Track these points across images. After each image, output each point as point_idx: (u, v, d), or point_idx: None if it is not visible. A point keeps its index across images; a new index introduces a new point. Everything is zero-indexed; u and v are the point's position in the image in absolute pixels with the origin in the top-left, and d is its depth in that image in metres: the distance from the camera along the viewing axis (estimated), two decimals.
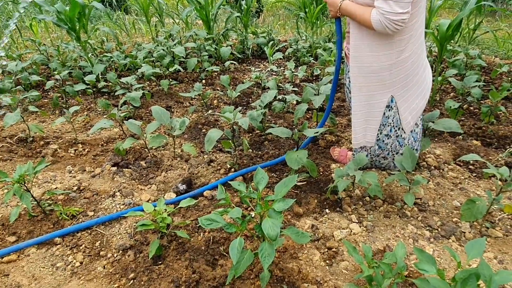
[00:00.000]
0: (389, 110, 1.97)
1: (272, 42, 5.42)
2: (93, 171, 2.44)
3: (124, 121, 2.41)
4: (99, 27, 5.13)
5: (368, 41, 1.79)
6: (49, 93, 3.94)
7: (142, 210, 1.79)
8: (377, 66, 1.84)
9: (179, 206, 1.68)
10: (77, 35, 4.13)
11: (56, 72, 3.77)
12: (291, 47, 5.18)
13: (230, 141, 2.31)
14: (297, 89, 3.50)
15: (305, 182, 2.19)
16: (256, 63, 5.31)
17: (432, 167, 2.34)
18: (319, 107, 2.56)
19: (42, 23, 6.99)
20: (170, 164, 2.41)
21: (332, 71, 3.31)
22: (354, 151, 2.24)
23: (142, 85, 3.28)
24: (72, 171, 2.44)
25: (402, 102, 1.93)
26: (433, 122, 2.17)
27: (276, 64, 4.99)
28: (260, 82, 3.85)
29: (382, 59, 1.82)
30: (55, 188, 2.22)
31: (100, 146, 2.80)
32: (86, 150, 2.73)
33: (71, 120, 2.70)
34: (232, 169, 2.35)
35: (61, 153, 2.68)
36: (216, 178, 2.26)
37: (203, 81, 4.39)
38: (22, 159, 2.60)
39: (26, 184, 1.85)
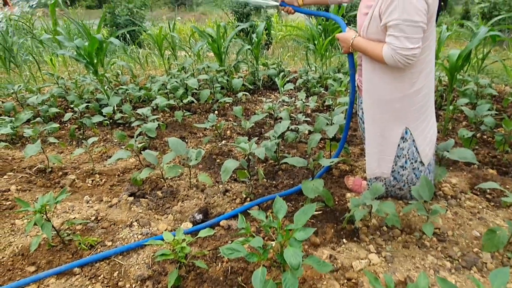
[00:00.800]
0: (403, 142, 1.98)
1: (283, 73, 5.55)
2: (110, 201, 2.47)
3: (142, 152, 2.47)
4: (115, 61, 5.32)
5: (380, 74, 1.84)
6: (66, 124, 4.05)
7: (161, 239, 1.80)
8: (389, 98, 1.88)
9: (198, 236, 1.69)
10: (95, 69, 4.29)
11: (73, 105, 3.91)
12: (301, 78, 5.29)
13: (245, 171, 2.34)
14: (309, 119, 3.54)
15: (321, 212, 2.19)
16: (267, 93, 5.42)
17: (449, 197, 2.33)
18: (332, 137, 2.60)
19: (60, 58, 7.28)
20: (186, 194, 2.44)
21: (343, 102, 3.37)
22: (369, 181, 2.24)
23: (157, 116, 3.37)
24: (90, 201, 2.48)
25: (418, 134, 1.95)
26: (448, 151, 2.18)
27: (287, 95, 5.08)
28: (273, 112, 3.92)
29: (394, 92, 1.85)
30: (74, 218, 2.24)
31: (116, 176, 2.85)
32: (103, 180, 2.78)
33: (89, 150, 2.76)
34: (248, 199, 2.36)
35: (78, 183, 2.73)
36: (232, 208, 2.28)
37: (216, 112, 4.48)
38: (41, 190, 2.65)
39: (47, 214, 1.89)
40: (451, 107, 3.37)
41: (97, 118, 3.30)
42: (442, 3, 1.76)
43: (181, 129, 3.87)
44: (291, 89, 5.15)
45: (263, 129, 3.80)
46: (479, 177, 2.54)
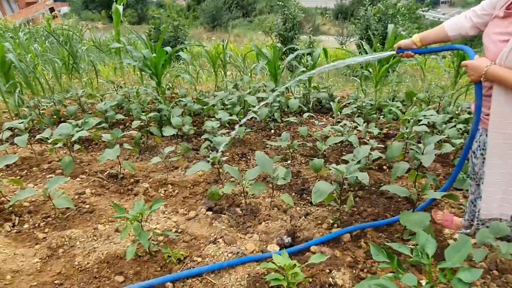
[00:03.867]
0: None
1: (338, 98, 5.47)
2: (186, 214, 2.39)
3: (224, 165, 2.40)
4: (179, 75, 5.38)
5: None
6: (125, 131, 4.07)
7: (260, 261, 1.69)
8: None
9: (310, 262, 1.57)
10: (158, 80, 4.33)
11: (134, 113, 3.94)
12: (354, 104, 5.18)
13: (334, 195, 2.22)
14: (382, 145, 3.39)
15: None
16: (319, 117, 5.33)
17: None
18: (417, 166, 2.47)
19: (110, 67, 7.47)
20: (268, 213, 2.33)
21: (406, 131, 3.22)
22: (467, 220, 2.09)
23: (226, 131, 3.31)
24: (166, 212, 2.41)
25: None
26: None
27: (343, 119, 4.97)
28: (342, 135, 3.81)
29: None
30: (155, 228, 2.17)
31: (188, 188, 2.78)
32: (176, 191, 2.71)
33: (165, 161, 2.72)
34: (335, 225, 2.23)
35: (151, 192, 2.67)
36: (320, 233, 2.15)
37: (272, 130, 4.42)
38: (115, 195, 2.60)
39: (142, 222, 1.82)
40: None
41: (168, 129, 3.27)
42: None
43: (241, 145, 3.81)
44: (347, 114, 5.04)
45: (325, 152, 3.69)
46: None
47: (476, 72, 1.70)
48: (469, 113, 5.03)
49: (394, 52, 2.19)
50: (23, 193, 2.11)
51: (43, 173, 2.96)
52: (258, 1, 41.20)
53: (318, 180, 3.01)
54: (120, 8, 4.88)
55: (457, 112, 5.00)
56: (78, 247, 1.98)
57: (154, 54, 4.15)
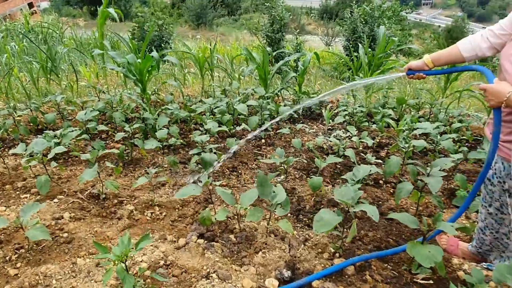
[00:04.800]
0: None
1: (326, 103, 5.35)
2: (175, 241, 2.20)
3: (216, 188, 2.21)
4: (165, 81, 5.15)
5: None
6: (108, 142, 3.84)
7: None
8: None
9: None
10: (143, 87, 4.10)
11: (116, 121, 3.71)
12: (345, 111, 5.06)
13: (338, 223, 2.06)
14: (380, 161, 3.25)
15: (429, 280, 1.90)
16: (309, 123, 5.19)
17: None
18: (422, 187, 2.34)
19: (91, 68, 7.16)
20: (265, 241, 2.16)
21: (404, 145, 3.10)
22: (474, 247, 1.97)
23: (215, 145, 3.12)
24: (153, 239, 2.21)
25: None
26: None
27: (334, 128, 4.85)
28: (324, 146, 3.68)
29: None
30: (140, 261, 1.97)
31: (176, 210, 2.58)
32: (163, 214, 2.51)
33: (151, 180, 2.52)
34: (337, 254, 2.08)
35: (137, 215, 2.47)
36: (322, 265, 1.99)
37: (263, 140, 4.25)
38: (97, 220, 2.38)
39: (126, 262, 1.62)
40: None
41: (151, 142, 3.06)
42: None
43: (232, 157, 3.63)
44: (340, 123, 4.91)
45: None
46: None
47: (497, 98, 1.57)
48: (460, 121, 4.99)
49: (404, 74, 2.06)
50: None
51: (17, 192, 2.72)
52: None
53: (315, 198, 2.87)
54: (112, 11, 4.60)
55: (449, 121, 4.95)
56: (54, 287, 1.76)
57: (139, 60, 3.92)
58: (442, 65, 1.95)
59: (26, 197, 2.63)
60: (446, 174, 2.39)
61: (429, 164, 3.68)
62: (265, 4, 10.70)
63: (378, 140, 4.39)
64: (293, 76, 5.58)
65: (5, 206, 2.50)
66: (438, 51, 2.00)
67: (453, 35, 26.95)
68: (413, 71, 2.00)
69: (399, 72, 2.13)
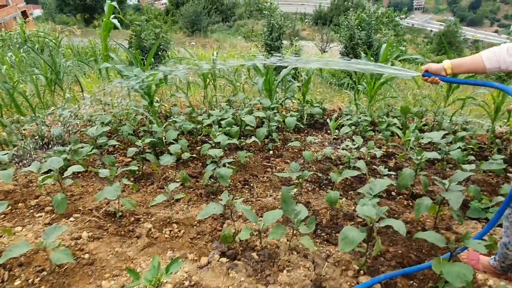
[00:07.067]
0: None
1: (329, 112, 5.37)
2: (197, 260, 2.19)
3: (236, 204, 2.21)
4: (174, 94, 5.14)
5: None
6: (116, 156, 3.81)
7: None
8: None
9: None
10: (151, 100, 4.09)
11: (124, 135, 3.69)
12: (349, 120, 5.07)
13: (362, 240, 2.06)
14: (393, 173, 3.25)
15: None
16: (313, 133, 5.20)
17: None
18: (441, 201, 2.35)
19: (91, 76, 7.12)
20: (288, 259, 2.15)
21: (416, 158, 3.11)
22: (497, 261, 1.98)
23: (230, 160, 3.11)
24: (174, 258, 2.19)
25: None
26: None
27: (336, 136, 4.85)
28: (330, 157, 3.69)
29: None
30: (165, 282, 1.95)
31: (193, 227, 2.57)
32: (182, 231, 2.50)
33: (170, 199, 2.50)
34: (361, 271, 2.08)
35: (155, 233, 2.45)
36: (348, 283, 1.99)
37: (271, 151, 4.25)
38: (116, 239, 2.36)
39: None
40: None
41: (166, 158, 3.04)
42: None
43: (242, 170, 3.63)
44: (346, 133, 4.92)
45: (329, 175, 3.55)
46: None
47: None
48: (464, 129, 5.03)
49: (419, 74, 2.06)
50: (15, 249, 1.84)
51: (31, 211, 2.68)
52: (237, 6, 41.17)
53: (330, 212, 2.87)
54: (116, 22, 4.58)
55: (452, 129, 4.99)
56: None
57: (146, 73, 3.91)
58: (462, 73, 1.96)
59: (41, 216, 2.60)
60: (464, 188, 2.41)
61: (439, 174, 3.76)
62: (264, 12, 10.77)
63: (384, 150, 4.41)
64: (298, 86, 5.60)
65: (21, 226, 2.46)
66: (460, 58, 1.97)
67: (446, 39, 27.29)
68: (429, 73, 2.00)
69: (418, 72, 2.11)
